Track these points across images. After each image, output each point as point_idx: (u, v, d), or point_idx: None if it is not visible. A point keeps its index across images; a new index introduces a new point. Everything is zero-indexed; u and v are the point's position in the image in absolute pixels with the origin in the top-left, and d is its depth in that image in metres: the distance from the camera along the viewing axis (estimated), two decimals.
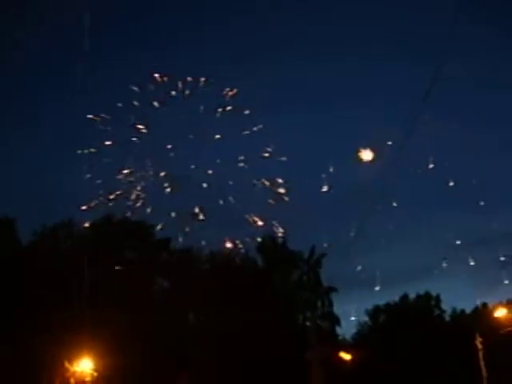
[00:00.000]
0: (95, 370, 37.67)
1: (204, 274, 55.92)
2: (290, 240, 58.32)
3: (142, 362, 41.37)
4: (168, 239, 54.51)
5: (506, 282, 57.29)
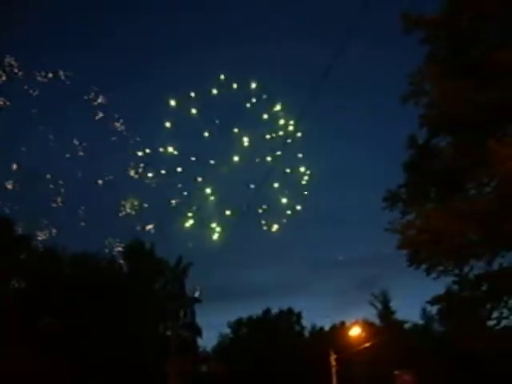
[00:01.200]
0: None
1: (65, 276, 53.65)
2: (159, 247, 57.63)
3: None
4: (29, 237, 51.82)
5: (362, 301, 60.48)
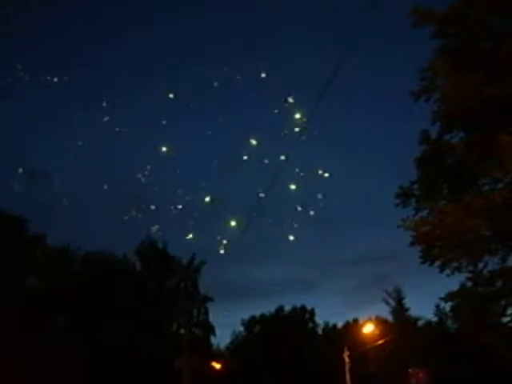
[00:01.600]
0: None
1: (79, 274, 53.97)
2: (172, 245, 57.93)
3: (3, 364, 39.13)
4: (43, 236, 52.16)
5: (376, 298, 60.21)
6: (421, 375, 37.13)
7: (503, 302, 20.90)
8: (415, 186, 23.02)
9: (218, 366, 52.46)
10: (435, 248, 20.85)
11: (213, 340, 61.43)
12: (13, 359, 39.97)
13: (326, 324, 75.70)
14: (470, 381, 47.42)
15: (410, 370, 37.66)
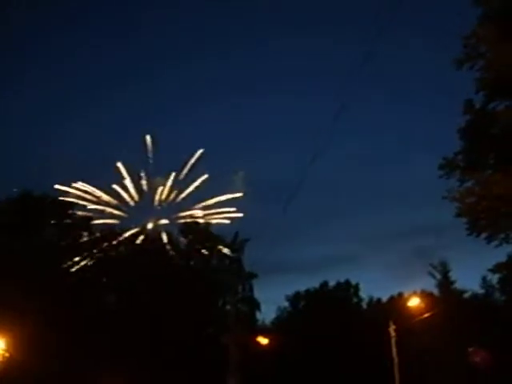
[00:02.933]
0: (6, 351, 36.29)
1: (125, 255, 55.18)
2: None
3: (58, 345, 40.42)
4: (89, 218, 53.49)
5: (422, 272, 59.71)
6: (483, 354, 36.39)
7: None
8: (459, 157, 22.62)
9: (264, 341, 52.99)
10: (482, 219, 20.55)
11: (258, 316, 62.25)
12: (66, 337, 41.26)
13: (371, 298, 75.39)
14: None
15: (470, 349, 36.98)
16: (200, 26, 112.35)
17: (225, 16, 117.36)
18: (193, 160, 60.97)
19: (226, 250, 56.56)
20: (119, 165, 60.18)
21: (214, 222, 59.34)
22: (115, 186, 60.51)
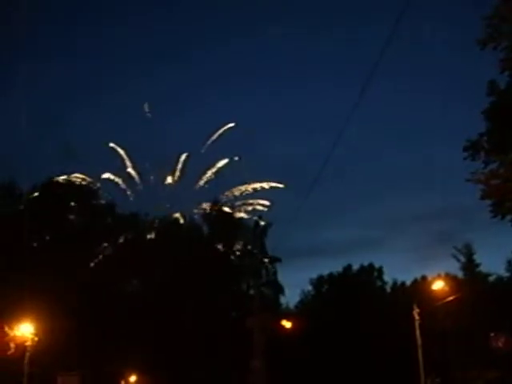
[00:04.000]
0: (35, 335, 37.06)
1: (149, 240, 55.73)
2: None
3: (82, 329, 41.19)
4: (113, 204, 54.02)
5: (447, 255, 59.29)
6: (505, 339, 36.11)
7: None
8: (484, 139, 22.29)
9: (288, 324, 53.25)
10: (507, 201, 20.31)
11: (282, 299, 62.51)
12: (92, 320, 41.99)
13: (395, 282, 75.14)
14: None
15: (492, 334, 36.79)
16: None
17: None
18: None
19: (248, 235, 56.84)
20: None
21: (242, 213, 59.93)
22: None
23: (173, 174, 64.20)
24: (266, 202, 60.75)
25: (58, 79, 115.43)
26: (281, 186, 62.01)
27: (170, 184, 64.00)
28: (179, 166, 63.68)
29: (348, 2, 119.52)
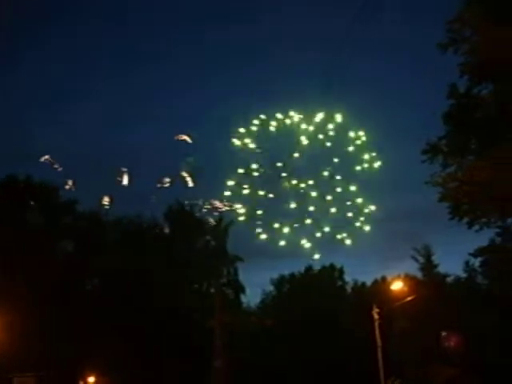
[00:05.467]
0: None
1: (110, 238, 55.01)
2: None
3: (40, 329, 40.48)
4: (74, 202, 53.05)
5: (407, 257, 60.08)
6: (454, 339, 36.72)
7: None
8: (443, 142, 22.65)
9: (249, 324, 53.39)
10: (464, 204, 20.68)
11: (243, 299, 62.30)
12: (50, 320, 41.26)
13: (355, 282, 75.89)
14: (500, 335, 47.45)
15: (443, 334, 37.43)
16: None
17: None
18: None
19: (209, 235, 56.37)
20: None
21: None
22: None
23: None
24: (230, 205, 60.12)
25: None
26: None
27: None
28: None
29: None
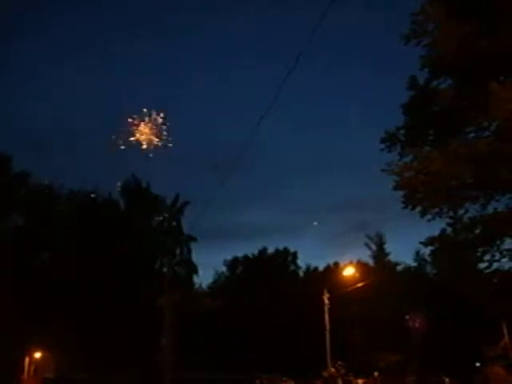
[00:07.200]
0: None
1: (64, 212, 54.01)
2: (156, 185, 58.04)
3: None
4: (27, 174, 51.91)
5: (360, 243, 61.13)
6: (419, 320, 37.50)
7: (481, 249, 21.29)
8: (401, 132, 22.98)
9: (201, 303, 53.47)
10: (418, 193, 21.05)
11: (195, 279, 62.38)
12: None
13: (308, 267, 76.87)
14: (447, 323, 48.93)
15: (407, 316, 38.15)
16: None
17: None
18: None
19: (165, 213, 56.07)
20: None
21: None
22: None
23: None
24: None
25: None
26: None
27: None
28: None
29: None
